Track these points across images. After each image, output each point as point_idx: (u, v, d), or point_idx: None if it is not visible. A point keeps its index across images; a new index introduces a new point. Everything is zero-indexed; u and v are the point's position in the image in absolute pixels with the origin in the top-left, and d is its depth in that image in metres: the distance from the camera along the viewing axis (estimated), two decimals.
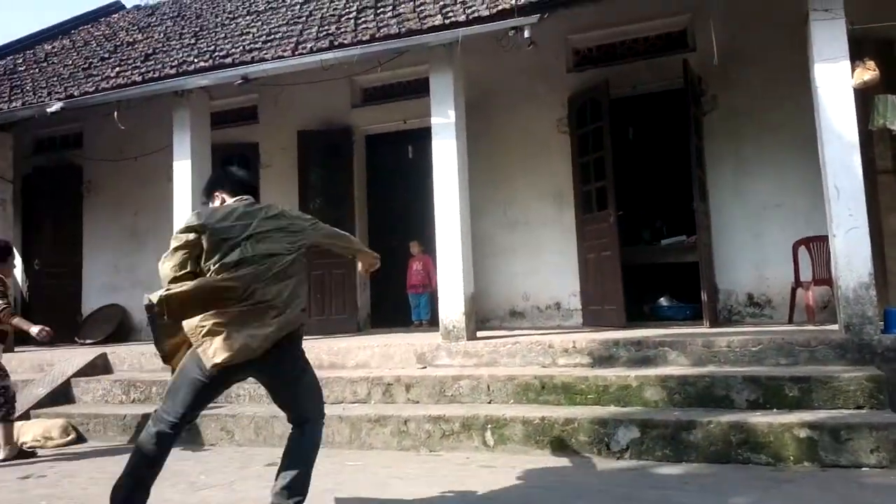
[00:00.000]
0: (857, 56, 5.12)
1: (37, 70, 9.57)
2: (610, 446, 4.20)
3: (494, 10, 5.96)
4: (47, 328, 4.85)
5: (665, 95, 7.36)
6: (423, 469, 4.14)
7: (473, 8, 6.23)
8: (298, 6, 8.49)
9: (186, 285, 2.75)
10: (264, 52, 7.01)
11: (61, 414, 5.82)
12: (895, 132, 5.37)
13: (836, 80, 5.06)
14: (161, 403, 2.92)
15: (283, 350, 2.91)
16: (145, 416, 5.46)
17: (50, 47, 10.74)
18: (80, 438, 5.61)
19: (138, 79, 7.37)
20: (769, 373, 4.49)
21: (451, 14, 6.32)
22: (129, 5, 12.78)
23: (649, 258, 7.65)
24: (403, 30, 6.37)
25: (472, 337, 5.98)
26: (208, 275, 2.82)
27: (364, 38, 6.48)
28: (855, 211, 4.89)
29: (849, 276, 4.88)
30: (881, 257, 5.98)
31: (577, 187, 7.42)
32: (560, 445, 4.31)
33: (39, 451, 5.18)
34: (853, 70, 5.08)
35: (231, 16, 9.18)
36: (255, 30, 8.04)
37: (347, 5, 7.81)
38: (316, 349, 5.90)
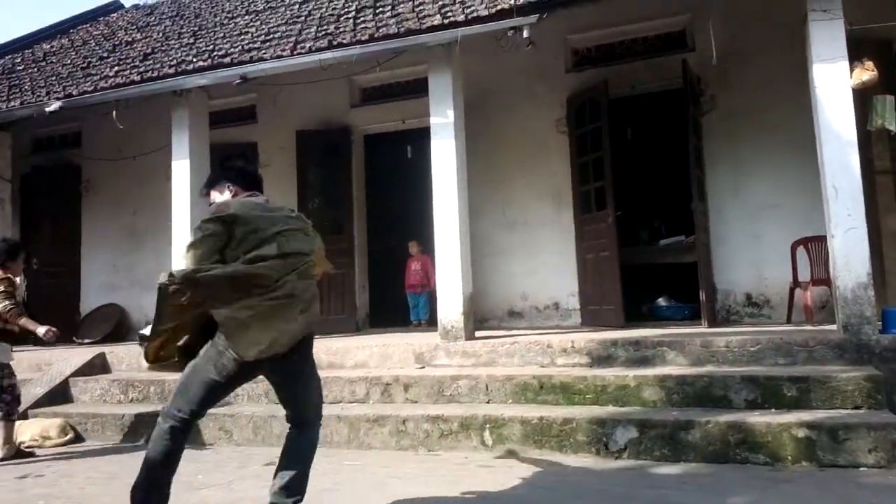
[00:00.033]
0: (855, 56, 5.13)
1: (35, 69, 9.57)
2: (608, 446, 4.21)
3: (493, 10, 5.96)
4: (54, 329, 4.85)
5: (664, 96, 7.36)
6: (421, 469, 4.14)
7: (472, 8, 6.23)
8: (297, 6, 8.48)
9: (226, 266, 2.74)
10: (263, 51, 7.01)
11: (59, 413, 5.82)
12: (893, 132, 5.37)
13: (834, 81, 5.06)
14: (170, 401, 2.90)
15: (302, 349, 2.96)
16: (143, 416, 5.48)
17: (48, 46, 10.73)
18: (78, 438, 5.61)
19: (137, 78, 7.38)
20: (767, 373, 4.49)
21: (449, 14, 6.32)
22: (127, 5, 12.75)
23: (648, 258, 7.65)
24: (402, 30, 6.37)
25: (470, 337, 5.98)
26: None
27: (363, 38, 6.48)
28: (853, 211, 4.90)
29: (847, 276, 4.88)
30: (879, 257, 5.99)
31: (575, 187, 7.42)
32: (558, 445, 4.31)
33: (37, 451, 5.18)
34: (852, 70, 5.09)
35: (230, 15, 9.18)
36: (253, 29, 8.04)
37: (346, 5, 7.81)
38: (314, 349, 5.87)
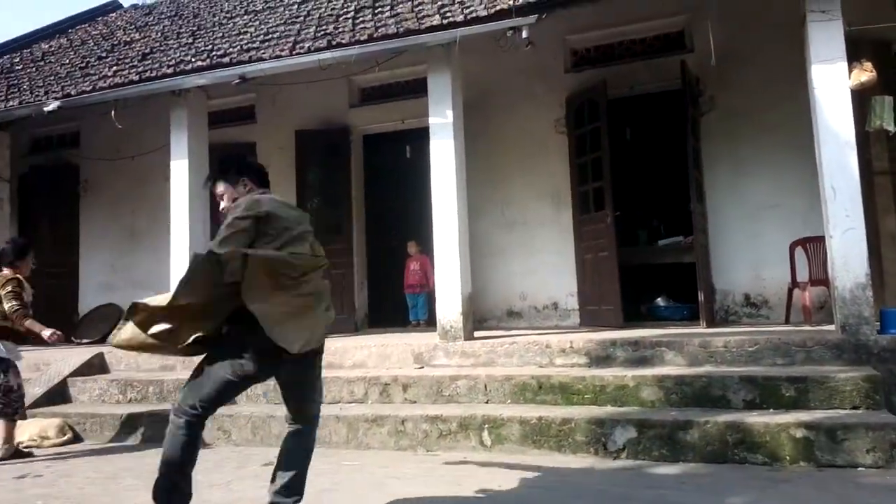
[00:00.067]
0: (854, 57, 5.13)
1: (34, 69, 9.56)
2: (607, 446, 4.21)
3: (492, 11, 5.96)
4: (59, 332, 4.85)
5: (663, 96, 7.37)
6: (420, 469, 4.14)
7: (471, 8, 6.23)
8: (296, 6, 8.48)
9: (268, 251, 2.76)
10: (262, 51, 7.00)
11: (58, 413, 5.81)
12: (892, 133, 5.38)
13: (833, 81, 5.07)
14: (181, 398, 2.87)
15: (320, 348, 3.01)
16: (141, 416, 5.48)
17: (47, 46, 10.72)
18: (76, 438, 5.61)
19: (135, 78, 7.37)
20: (766, 373, 4.50)
21: (449, 14, 6.33)
22: (126, 4, 12.75)
23: (646, 258, 7.66)
24: (401, 30, 6.37)
25: (469, 337, 5.98)
26: None
27: (362, 38, 6.48)
28: (851, 212, 4.91)
29: (845, 276, 4.89)
30: (877, 258, 6.00)
31: (574, 187, 7.43)
32: (557, 445, 4.31)
33: (36, 451, 5.17)
34: (850, 71, 5.09)
35: (229, 15, 9.17)
36: (252, 29, 8.04)
37: (345, 5, 7.81)
38: None
